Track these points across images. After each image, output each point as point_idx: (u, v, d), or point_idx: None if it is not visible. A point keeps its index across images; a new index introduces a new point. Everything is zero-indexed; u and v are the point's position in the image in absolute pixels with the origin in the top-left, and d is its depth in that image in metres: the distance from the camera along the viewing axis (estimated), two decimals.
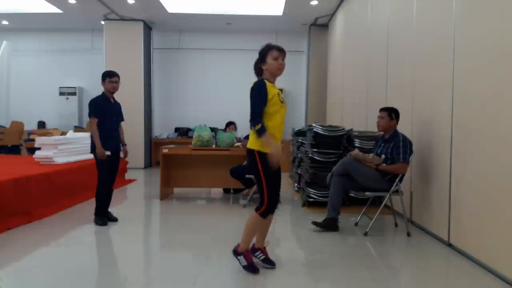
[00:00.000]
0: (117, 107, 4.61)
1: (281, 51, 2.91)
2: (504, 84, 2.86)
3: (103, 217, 4.42)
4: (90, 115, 4.36)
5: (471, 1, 3.38)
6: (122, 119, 4.69)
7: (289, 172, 7.97)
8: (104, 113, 4.40)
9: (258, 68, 2.99)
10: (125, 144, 4.71)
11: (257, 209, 2.91)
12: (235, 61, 10.44)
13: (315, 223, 4.14)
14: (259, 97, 2.83)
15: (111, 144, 4.43)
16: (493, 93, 3.00)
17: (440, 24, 3.87)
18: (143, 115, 9.78)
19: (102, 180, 4.42)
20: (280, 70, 2.92)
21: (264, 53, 2.93)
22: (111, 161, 4.45)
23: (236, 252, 3.00)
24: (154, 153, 10.27)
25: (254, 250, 3.09)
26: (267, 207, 2.89)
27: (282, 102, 2.91)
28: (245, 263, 2.95)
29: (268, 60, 2.90)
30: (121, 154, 4.65)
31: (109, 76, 4.45)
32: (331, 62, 9.29)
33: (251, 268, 2.93)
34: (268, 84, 2.88)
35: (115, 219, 4.51)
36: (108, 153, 4.36)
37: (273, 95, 2.85)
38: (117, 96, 4.57)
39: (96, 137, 4.30)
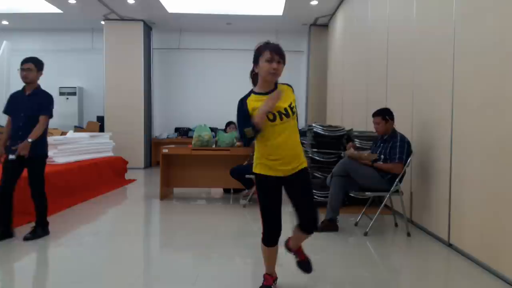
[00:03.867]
0: (34, 100, 3.78)
1: (277, 53, 2.35)
2: (504, 84, 2.85)
3: None
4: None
5: (471, 1, 3.38)
6: (41, 113, 3.75)
7: None
8: (11, 110, 3.82)
9: (252, 73, 2.49)
10: (28, 139, 3.64)
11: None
12: (235, 61, 10.41)
13: None
14: (238, 117, 2.40)
15: (14, 147, 3.65)
16: (493, 93, 3.00)
17: (440, 24, 3.87)
18: (143, 115, 9.75)
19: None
20: (272, 75, 2.36)
21: (257, 54, 2.40)
22: (13, 167, 3.69)
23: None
24: (154, 153, 10.24)
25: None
26: (263, 234, 2.53)
27: (270, 120, 2.35)
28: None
29: (260, 62, 2.37)
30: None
31: (21, 64, 3.77)
32: (331, 62, 9.29)
33: None
34: (252, 97, 2.42)
35: (9, 235, 3.75)
36: (11, 156, 3.63)
37: (253, 108, 2.36)
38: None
39: (3, 137, 3.74)
